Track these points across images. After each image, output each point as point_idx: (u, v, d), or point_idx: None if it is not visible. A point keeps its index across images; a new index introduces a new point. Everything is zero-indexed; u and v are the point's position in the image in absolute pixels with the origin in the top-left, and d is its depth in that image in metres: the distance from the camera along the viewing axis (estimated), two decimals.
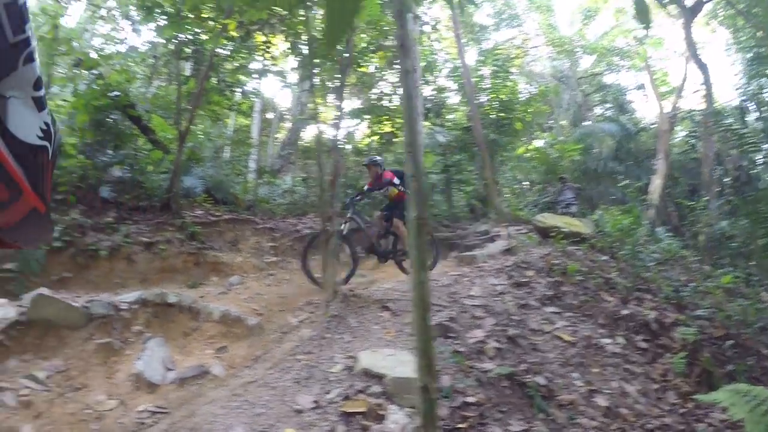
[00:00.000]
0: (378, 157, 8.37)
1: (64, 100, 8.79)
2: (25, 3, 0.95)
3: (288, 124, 17.17)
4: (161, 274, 6.67)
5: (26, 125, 1.01)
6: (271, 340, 5.29)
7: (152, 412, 3.96)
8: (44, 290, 5.13)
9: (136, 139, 8.75)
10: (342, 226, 7.10)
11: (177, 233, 7.44)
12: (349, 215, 7.38)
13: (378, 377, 3.76)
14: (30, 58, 0.99)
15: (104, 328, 4.95)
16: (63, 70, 12.07)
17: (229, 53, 9.92)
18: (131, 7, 11.49)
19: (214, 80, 10.03)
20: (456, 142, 13.77)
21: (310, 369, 4.16)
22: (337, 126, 7.06)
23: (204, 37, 9.73)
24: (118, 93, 8.31)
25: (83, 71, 8.95)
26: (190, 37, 9.73)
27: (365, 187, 8.11)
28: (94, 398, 4.12)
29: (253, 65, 11.37)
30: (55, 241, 6.38)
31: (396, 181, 7.74)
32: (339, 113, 7.48)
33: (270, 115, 16.74)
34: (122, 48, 11.87)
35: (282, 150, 15.31)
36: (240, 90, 11.53)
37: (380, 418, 3.34)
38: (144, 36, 13.75)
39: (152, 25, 10.13)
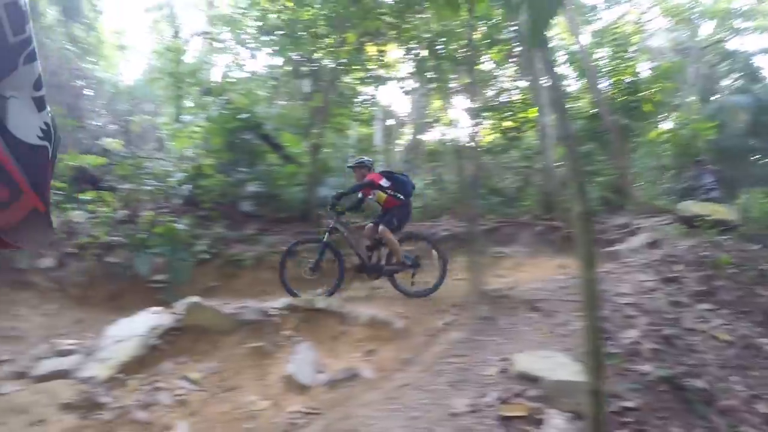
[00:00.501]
0: (366, 158, 7.26)
1: (199, 126, 9.36)
2: (25, 3, 0.92)
3: (409, 130, 17.24)
4: (305, 280, 6.68)
5: (26, 125, 0.99)
6: (418, 343, 5.18)
7: (304, 413, 3.98)
8: (196, 298, 5.42)
9: (267, 156, 9.10)
10: (324, 235, 6.64)
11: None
12: (331, 224, 6.67)
13: (535, 380, 3.58)
14: (30, 58, 0.96)
15: (255, 332, 5.10)
16: (188, 99, 13.08)
17: (345, 66, 10.10)
18: (245, 36, 12.14)
19: (334, 94, 10.25)
20: (583, 131, 12.93)
21: (463, 372, 4.02)
22: (465, 125, 6.80)
23: (319, 54, 10.02)
24: (247, 114, 8.73)
25: (212, 98, 9.53)
26: (307, 55, 10.04)
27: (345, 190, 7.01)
28: (247, 398, 4.21)
29: (370, 75, 11.51)
30: (202, 254, 6.78)
31: (384, 183, 6.65)
32: (468, 112, 7.16)
33: (390, 122, 16.89)
34: (244, 74, 12.59)
35: (406, 155, 15.37)
36: (359, 100, 11.73)
37: (538, 423, 3.16)
38: (261, 60, 14.53)
39: (269, 49, 10.66)
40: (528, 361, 3.82)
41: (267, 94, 11.76)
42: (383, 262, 6.71)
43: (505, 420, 3.17)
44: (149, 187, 8.37)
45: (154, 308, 5.49)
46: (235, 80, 11.42)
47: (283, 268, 6.35)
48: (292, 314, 5.44)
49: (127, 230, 7.31)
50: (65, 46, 11.66)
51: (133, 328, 5.05)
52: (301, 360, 4.71)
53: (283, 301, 5.60)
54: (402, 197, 6.63)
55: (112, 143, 9.29)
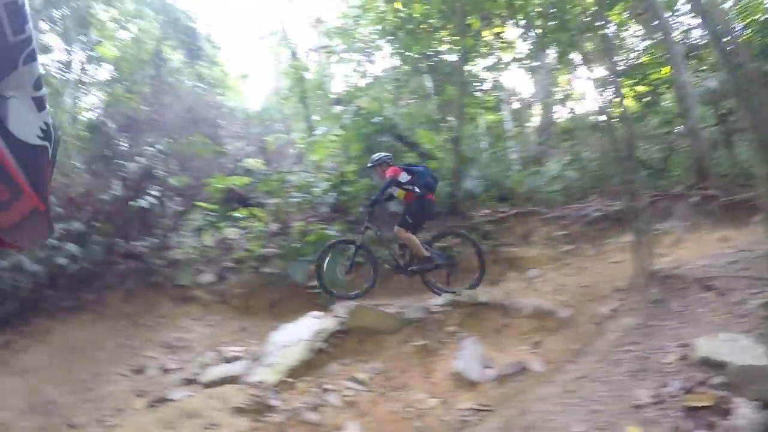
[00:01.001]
0: (383, 154, 6.82)
1: (335, 135, 9.72)
2: (25, 3, 0.89)
3: (538, 110, 16.58)
4: (460, 275, 6.55)
5: (26, 125, 0.97)
6: (586, 331, 4.86)
7: (475, 410, 3.85)
8: (353, 301, 5.56)
9: (405, 156, 9.14)
10: (358, 237, 6.39)
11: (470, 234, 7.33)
12: (364, 225, 6.38)
13: (718, 366, 3.19)
14: (30, 58, 0.94)
15: (419, 330, 5.08)
16: (317, 112, 13.59)
17: (466, 54, 9.89)
18: (360, 43, 12.34)
19: (458, 84, 10.10)
20: (725, 86, 11.42)
21: (641, 360, 3.68)
22: (596, 96, 6.26)
23: (437, 47, 9.92)
24: (379, 118, 8.85)
25: (343, 107, 9.78)
26: (425, 51, 9.97)
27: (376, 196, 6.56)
28: (415, 397, 4.16)
29: (489, 61, 11.24)
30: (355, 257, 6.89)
31: (403, 178, 6.27)
32: (596, 82, 6.62)
33: (516, 106, 16.36)
34: (367, 79, 12.83)
35: (538, 137, 14.79)
36: (484, 87, 11.49)
37: (725, 413, 2.80)
38: (380, 63, 14.80)
39: (387, 51, 10.76)
40: (710, 346, 3.44)
41: (393, 96, 11.91)
42: (407, 261, 6.37)
43: (691, 411, 2.87)
44: (295, 200, 8.69)
45: (316, 313, 5.66)
46: (361, 86, 11.67)
47: (319, 268, 6.20)
48: (455, 310, 5.34)
49: (280, 241, 7.66)
50: (195, 84, 12.69)
51: (298, 333, 5.22)
52: (468, 355, 4.58)
53: (446, 297, 5.53)
54: (418, 190, 6.22)
55: (253, 163, 9.89)
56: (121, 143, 9.08)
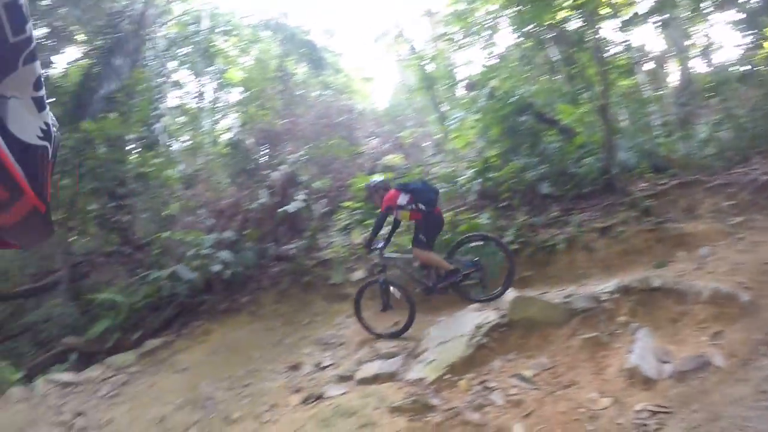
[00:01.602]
0: (378, 179, 6.58)
1: (474, 121, 9.59)
2: (25, 3, 0.87)
3: (674, 68, 15.11)
4: (622, 258, 6.19)
5: (26, 125, 0.98)
6: None
7: (652, 412, 3.45)
8: (511, 291, 5.36)
9: (547, 134, 8.78)
10: (377, 276, 6.23)
11: (629, 212, 6.88)
12: (378, 261, 6.22)
13: None
14: (30, 59, 0.93)
15: (587, 322, 4.70)
16: (448, 100, 13.48)
17: (591, 18, 9.25)
18: (477, 25, 12.03)
19: (586, 52, 9.49)
20: None
21: None
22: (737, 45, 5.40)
23: (563, 15, 9.40)
24: (514, 97, 8.58)
25: (477, 91, 9.60)
26: (547, 21, 9.51)
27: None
28: (585, 396, 3.84)
29: (616, 21, 10.41)
30: (510, 244, 6.72)
31: (402, 200, 5.95)
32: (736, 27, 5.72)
33: (650, 66, 15.06)
34: (494, 60, 12.52)
35: (678, 98, 13.48)
36: (615, 49, 10.68)
37: None
38: (503, 42, 14.41)
39: (508, 29, 10.36)
40: None
41: (524, 73, 11.53)
42: (434, 280, 6.09)
43: None
44: (441, 190, 8.69)
45: (475, 306, 5.52)
46: (490, 68, 11.43)
47: (358, 307, 6.26)
48: (625, 297, 4.84)
49: None
50: (322, 92, 13.22)
51: (456, 328, 5.11)
52: (642, 349, 4.12)
53: (615, 282, 5.05)
54: (423, 207, 5.88)
55: (392, 159, 10.08)
56: (261, 156, 9.69)
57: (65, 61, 12.72)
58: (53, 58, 11.89)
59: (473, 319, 5.11)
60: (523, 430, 3.61)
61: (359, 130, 11.57)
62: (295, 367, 5.85)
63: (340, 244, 8.02)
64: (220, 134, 13.90)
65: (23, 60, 0.95)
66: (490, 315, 5.06)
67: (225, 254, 7.19)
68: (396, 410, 4.14)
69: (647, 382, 3.79)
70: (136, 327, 7.74)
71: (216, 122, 14.57)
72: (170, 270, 7.41)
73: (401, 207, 5.99)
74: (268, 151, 10.06)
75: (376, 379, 5.00)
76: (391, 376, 4.93)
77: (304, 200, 7.75)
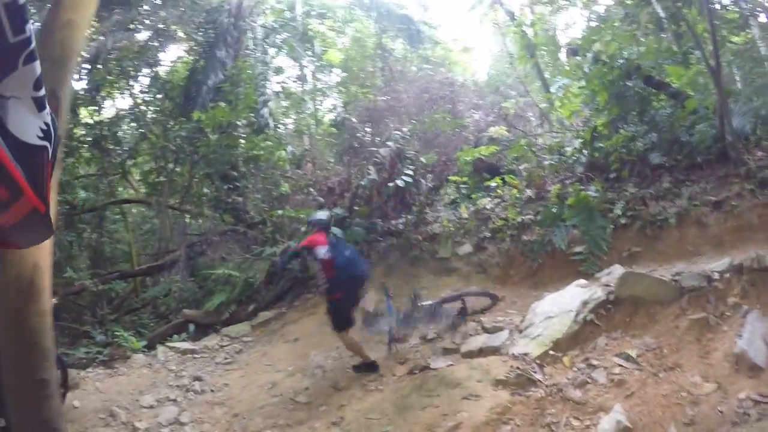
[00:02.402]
0: (319, 216, 6.03)
1: (579, 88, 9.25)
2: (25, 3, 0.86)
3: None
4: (736, 234, 5.83)
5: (26, 125, 0.95)
6: None
7: (755, 401, 3.35)
8: (618, 267, 5.23)
9: (657, 99, 8.27)
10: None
11: (744, 183, 6.34)
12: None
13: None
14: (30, 58, 0.91)
15: (697, 301, 4.50)
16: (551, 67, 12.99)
17: None
18: None
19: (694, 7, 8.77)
20: None
21: None
22: None
23: None
24: (621, 61, 8.15)
25: (581, 56, 9.22)
26: None
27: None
28: (689, 380, 3.77)
29: None
30: (619, 218, 6.54)
31: (320, 251, 5.30)
32: None
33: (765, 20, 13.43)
34: (595, 23, 11.90)
35: None
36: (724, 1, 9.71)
37: None
38: (604, 2, 13.54)
39: None
40: None
41: (628, 34, 10.89)
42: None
43: None
44: (547, 162, 8.56)
45: (581, 281, 5.44)
46: (593, 30, 10.90)
47: None
48: (737, 277, 4.53)
49: (537, 208, 7.53)
50: (422, 66, 13.22)
51: (563, 304, 5.07)
52: (752, 334, 3.91)
53: (726, 261, 4.73)
54: (343, 279, 5.35)
55: (497, 131, 9.94)
56: (365, 133, 9.97)
57: (171, 58, 13.69)
58: (160, 56, 12.80)
59: (580, 295, 5.07)
60: (624, 411, 3.59)
61: (461, 102, 11.44)
62: (401, 339, 6.04)
63: (447, 218, 8.12)
64: (324, 115, 14.40)
65: (23, 60, 0.97)
66: (597, 291, 5.00)
67: (336, 230, 7.41)
68: (499, 383, 4.28)
69: (754, 370, 3.66)
70: (250, 300, 8.32)
71: (319, 104, 15.07)
72: (283, 246, 7.86)
73: (316, 257, 5.43)
74: (371, 128, 10.31)
75: (480, 352, 5.11)
76: (495, 350, 5.02)
77: (412, 175, 7.84)
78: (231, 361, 6.76)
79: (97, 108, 12.38)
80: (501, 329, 5.47)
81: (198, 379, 6.21)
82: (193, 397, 5.78)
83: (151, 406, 5.53)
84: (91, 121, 12.02)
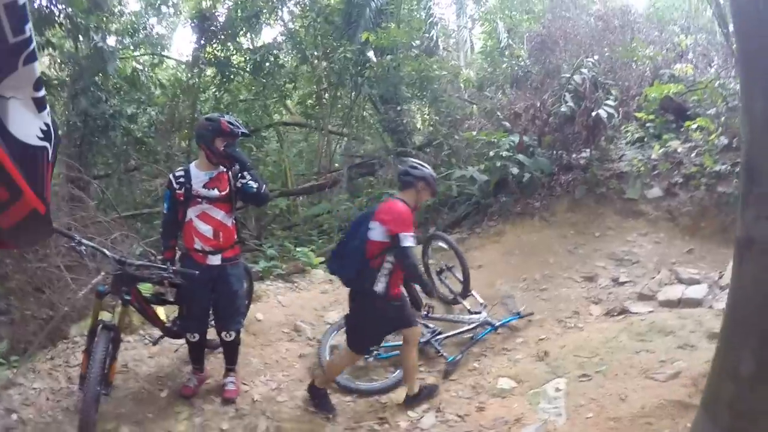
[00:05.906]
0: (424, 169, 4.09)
1: None
2: (25, 3, 0.96)
3: None
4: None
5: (26, 126, 1.09)
6: None
7: None
8: None
9: None
10: None
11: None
12: None
13: None
14: (30, 59, 1.02)
15: None
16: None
17: None
18: None
19: None
20: None
21: None
22: None
23: None
24: None
25: None
26: None
27: None
28: None
29: None
30: None
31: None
32: None
33: None
34: None
35: None
36: None
37: None
38: None
39: None
40: None
41: None
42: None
43: None
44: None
45: None
46: None
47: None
48: None
49: (734, 157, 6.62)
50: None
51: None
52: None
53: None
54: None
55: (681, 69, 8.82)
56: (550, 61, 9.19)
57: None
58: None
59: None
60: None
61: (639, 33, 10.29)
62: (590, 278, 5.82)
63: (636, 157, 7.51)
64: (486, 41, 13.72)
65: (23, 60, 0.98)
66: None
67: (522, 157, 7.18)
68: (714, 336, 3.86)
69: None
70: (427, 223, 8.20)
71: (471, 30, 14.41)
72: (470, 170, 7.55)
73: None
74: (538, 57, 9.63)
75: (679, 303, 4.85)
76: (697, 303, 4.74)
77: (613, 105, 7.18)
78: None
79: (255, 35, 12.85)
80: (699, 282, 5.13)
81: None
82: None
83: None
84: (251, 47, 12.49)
